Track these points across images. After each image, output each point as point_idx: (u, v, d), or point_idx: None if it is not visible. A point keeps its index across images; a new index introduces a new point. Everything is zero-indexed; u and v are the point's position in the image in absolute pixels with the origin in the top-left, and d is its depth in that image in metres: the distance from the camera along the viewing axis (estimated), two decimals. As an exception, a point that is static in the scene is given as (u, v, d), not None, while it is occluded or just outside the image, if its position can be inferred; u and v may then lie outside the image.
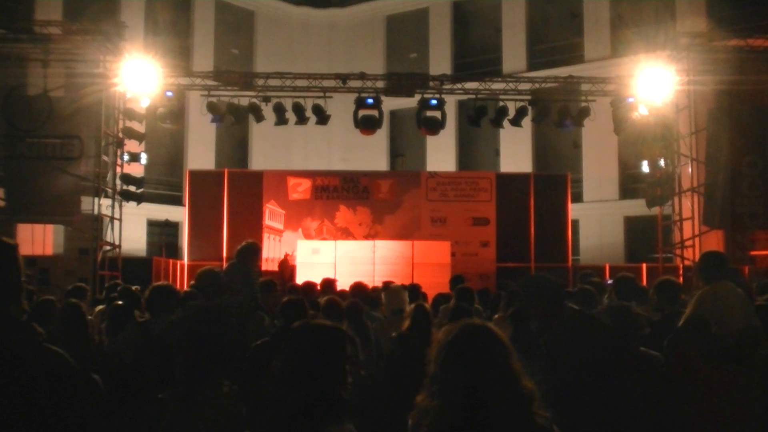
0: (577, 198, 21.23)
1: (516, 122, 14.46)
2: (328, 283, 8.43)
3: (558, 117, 14.36)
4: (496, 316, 6.47)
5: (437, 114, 14.17)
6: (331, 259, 15.28)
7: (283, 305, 4.63)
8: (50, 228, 15.09)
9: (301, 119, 14.27)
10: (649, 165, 14.72)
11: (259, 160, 24.11)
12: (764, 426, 3.67)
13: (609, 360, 3.10)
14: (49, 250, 15.10)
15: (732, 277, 4.36)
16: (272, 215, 17.44)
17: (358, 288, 7.52)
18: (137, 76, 13.22)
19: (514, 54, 23.83)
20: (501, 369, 2.07)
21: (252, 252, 6.94)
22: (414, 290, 7.87)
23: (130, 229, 16.19)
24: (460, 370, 2.06)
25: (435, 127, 14.45)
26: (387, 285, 8.27)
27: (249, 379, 4.36)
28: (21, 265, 2.11)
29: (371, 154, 24.43)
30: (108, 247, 13.48)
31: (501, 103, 14.58)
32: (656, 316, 5.18)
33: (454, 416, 2.03)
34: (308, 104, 14.14)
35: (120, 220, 13.80)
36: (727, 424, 3.60)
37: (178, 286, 15.26)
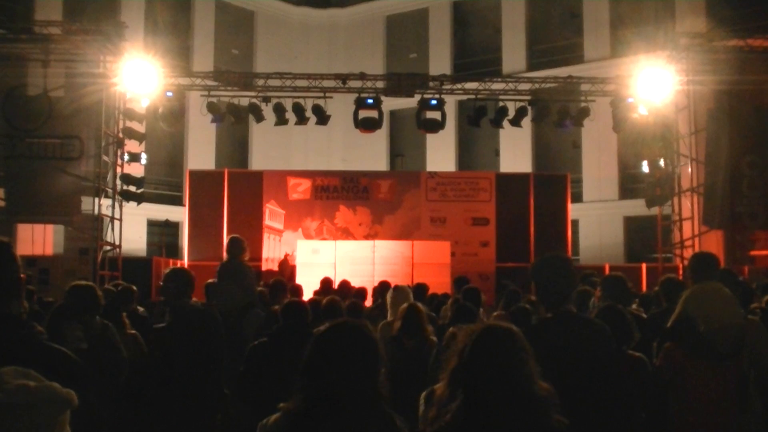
0: (577, 198, 21.24)
1: (516, 122, 14.46)
2: (328, 283, 8.45)
3: (558, 117, 14.36)
4: (495, 313, 6.47)
5: (437, 114, 14.16)
6: (331, 259, 15.27)
7: (285, 307, 4.62)
8: (50, 228, 15.07)
9: (301, 119, 14.27)
10: (648, 165, 14.71)
11: (259, 160, 24.11)
12: (756, 421, 3.69)
13: (601, 362, 3.09)
14: (49, 250, 15.09)
15: (722, 277, 4.37)
16: (272, 215, 17.44)
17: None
18: (137, 76, 13.22)
19: (513, 54, 23.84)
20: (520, 372, 2.09)
21: (237, 246, 6.79)
22: (419, 290, 7.83)
23: (130, 229, 16.19)
24: (480, 372, 2.08)
25: (435, 127, 14.46)
26: (384, 284, 8.27)
27: (248, 378, 4.37)
28: (18, 263, 2.10)
29: (371, 154, 24.44)
30: (108, 247, 13.48)
31: (501, 104, 14.58)
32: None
33: (471, 416, 2.04)
34: (308, 104, 14.14)
35: (120, 220, 13.80)
36: (718, 421, 3.62)
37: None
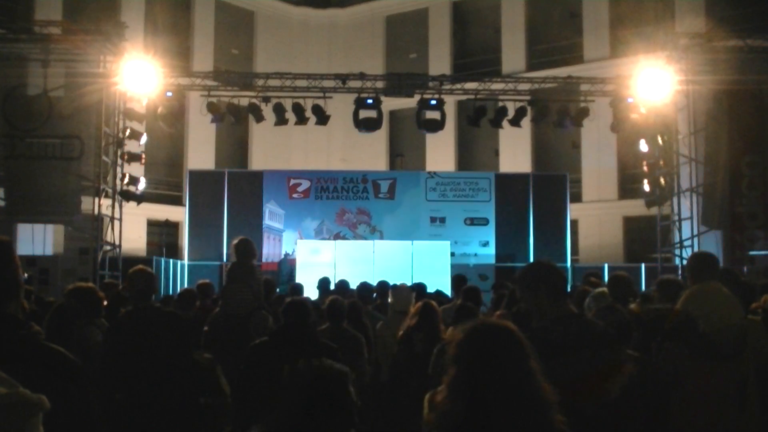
0: (576, 198, 21.23)
1: (515, 122, 14.46)
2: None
3: (557, 117, 14.36)
4: (498, 312, 6.46)
5: (437, 114, 14.17)
6: (331, 259, 15.28)
7: (286, 306, 4.61)
8: (50, 228, 15.07)
9: (301, 119, 14.27)
10: (648, 165, 14.72)
11: (259, 160, 24.11)
12: (757, 422, 3.68)
13: (599, 364, 3.07)
14: (49, 250, 15.09)
15: (723, 277, 4.36)
16: (272, 215, 17.45)
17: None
18: (137, 76, 13.21)
19: (513, 54, 23.84)
20: (519, 371, 2.05)
21: (249, 249, 6.76)
22: (419, 289, 7.83)
23: (130, 229, 16.19)
24: (476, 371, 2.05)
25: (435, 127, 14.47)
26: (384, 284, 8.26)
27: (248, 377, 4.37)
28: (17, 262, 2.09)
29: (371, 154, 24.44)
30: (108, 247, 13.48)
31: (500, 104, 14.59)
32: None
33: (469, 417, 2.03)
34: (308, 104, 14.14)
35: (120, 220, 13.79)
36: (718, 422, 3.61)
37: (178, 286, 15.27)
